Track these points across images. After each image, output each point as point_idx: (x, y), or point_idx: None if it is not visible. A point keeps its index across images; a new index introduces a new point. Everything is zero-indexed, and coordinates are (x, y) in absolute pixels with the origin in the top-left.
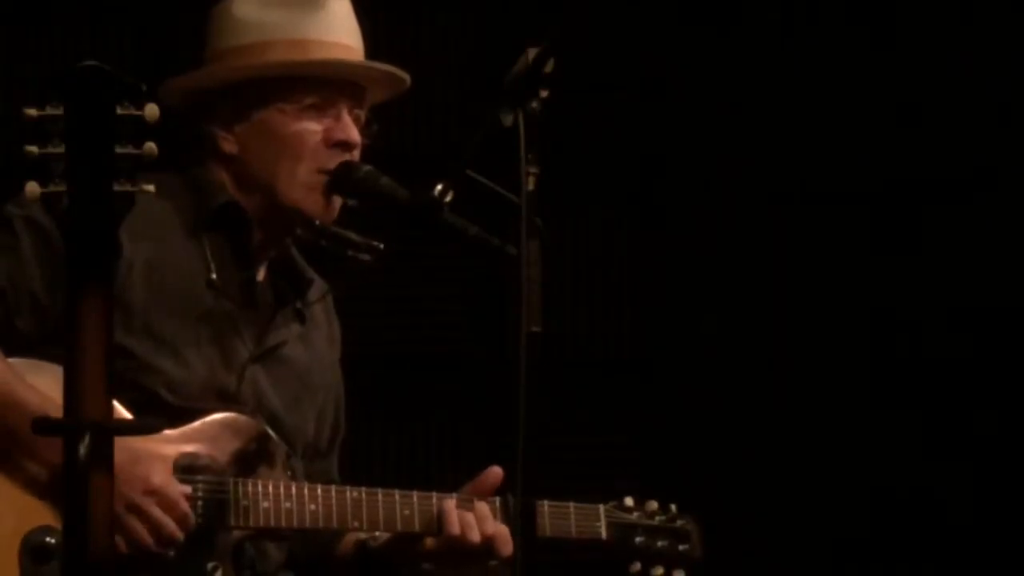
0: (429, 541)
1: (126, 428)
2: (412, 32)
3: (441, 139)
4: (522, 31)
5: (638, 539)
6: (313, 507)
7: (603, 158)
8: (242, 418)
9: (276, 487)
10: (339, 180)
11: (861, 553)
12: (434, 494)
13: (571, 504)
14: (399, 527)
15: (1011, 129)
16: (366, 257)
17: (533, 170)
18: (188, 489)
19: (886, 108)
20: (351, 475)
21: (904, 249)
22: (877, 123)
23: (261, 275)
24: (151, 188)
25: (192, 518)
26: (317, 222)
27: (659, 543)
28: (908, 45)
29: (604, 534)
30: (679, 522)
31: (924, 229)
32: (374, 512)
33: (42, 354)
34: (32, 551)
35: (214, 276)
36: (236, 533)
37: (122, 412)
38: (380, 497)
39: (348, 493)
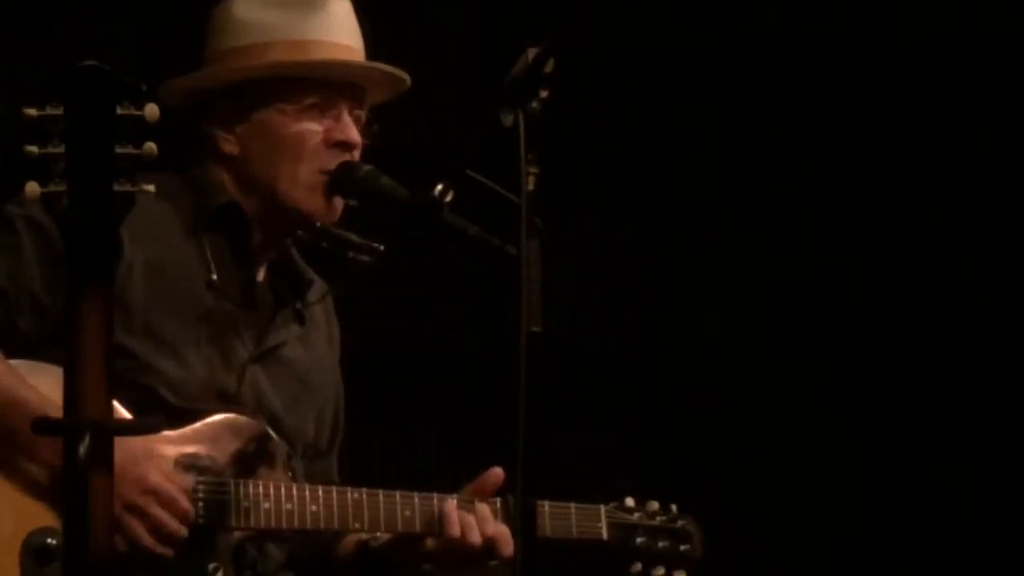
0: (430, 542)
1: (126, 428)
2: (412, 32)
3: (441, 139)
4: (522, 31)
5: (639, 540)
6: (314, 508)
7: (603, 158)
8: (242, 419)
9: (277, 488)
10: (339, 180)
11: (861, 553)
12: (435, 495)
13: (572, 505)
14: (400, 528)
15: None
16: (366, 258)
17: (533, 170)
18: (189, 482)
19: (886, 107)
20: (351, 475)
21: (904, 249)
22: (877, 123)
23: (261, 276)
24: (151, 188)
25: (193, 513)
26: (318, 223)
27: (660, 544)
28: (909, 40)
29: (605, 535)
30: (680, 523)
31: (925, 228)
32: (375, 513)
33: (42, 354)
34: (33, 552)
35: (214, 276)
36: (237, 534)
37: (122, 412)
38: (381, 498)
39: (349, 494)
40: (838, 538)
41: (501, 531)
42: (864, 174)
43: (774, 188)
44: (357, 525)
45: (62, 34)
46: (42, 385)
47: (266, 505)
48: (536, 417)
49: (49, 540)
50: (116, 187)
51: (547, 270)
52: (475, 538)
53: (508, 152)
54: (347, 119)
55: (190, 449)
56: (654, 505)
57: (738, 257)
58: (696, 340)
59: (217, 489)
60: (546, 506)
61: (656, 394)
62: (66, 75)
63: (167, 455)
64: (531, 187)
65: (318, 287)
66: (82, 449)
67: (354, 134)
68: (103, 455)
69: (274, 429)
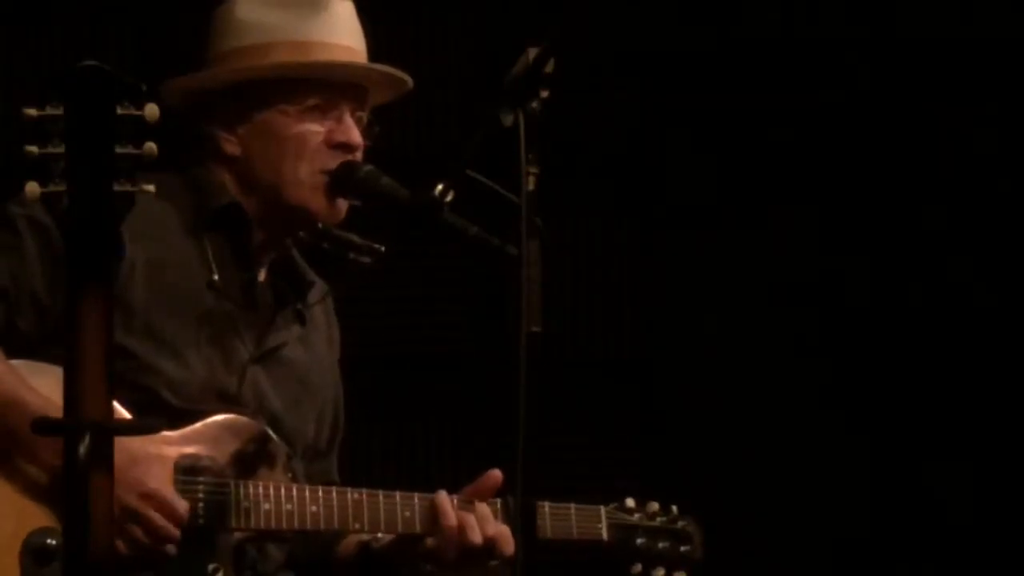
0: (430, 541)
1: (126, 428)
2: (412, 32)
3: (441, 139)
4: (522, 31)
5: (639, 540)
6: (314, 508)
7: (603, 158)
8: (243, 419)
9: (277, 488)
10: (340, 180)
11: (861, 553)
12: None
13: (572, 505)
14: (400, 528)
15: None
16: (367, 259)
17: (533, 170)
18: (185, 504)
19: (886, 107)
20: (351, 475)
21: (904, 249)
22: (877, 123)
23: (262, 276)
24: (151, 188)
25: (185, 519)
26: (321, 224)
27: (660, 544)
28: (909, 40)
29: (605, 535)
30: (680, 523)
31: (925, 228)
32: (375, 513)
33: (43, 354)
34: (33, 553)
35: (215, 277)
36: (237, 534)
37: (122, 413)
38: (381, 498)
39: (349, 494)
40: (838, 538)
41: (502, 531)
42: (864, 174)
43: (774, 188)
44: (357, 526)
45: (62, 34)
46: (42, 385)
47: (266, 506)
48: (536, 417)
49: (49, 540)
50: (116, 187)
51: (547, 270)
52: (476, 537)
53: (508, 152)
54: (349, 120)
55: (190, 450)
56: (654, 506)
57: (738, 257)
58: (696, 340)
59: (217, 490)
60: (546, 507)
61: (656, 394)
62: (66, 75)
63: (167, 456)
64: (531, 187)
65: (319, 288)
66: (82, 449)
67: (356, 135)
68: (103, 455)
69: (274, 430)
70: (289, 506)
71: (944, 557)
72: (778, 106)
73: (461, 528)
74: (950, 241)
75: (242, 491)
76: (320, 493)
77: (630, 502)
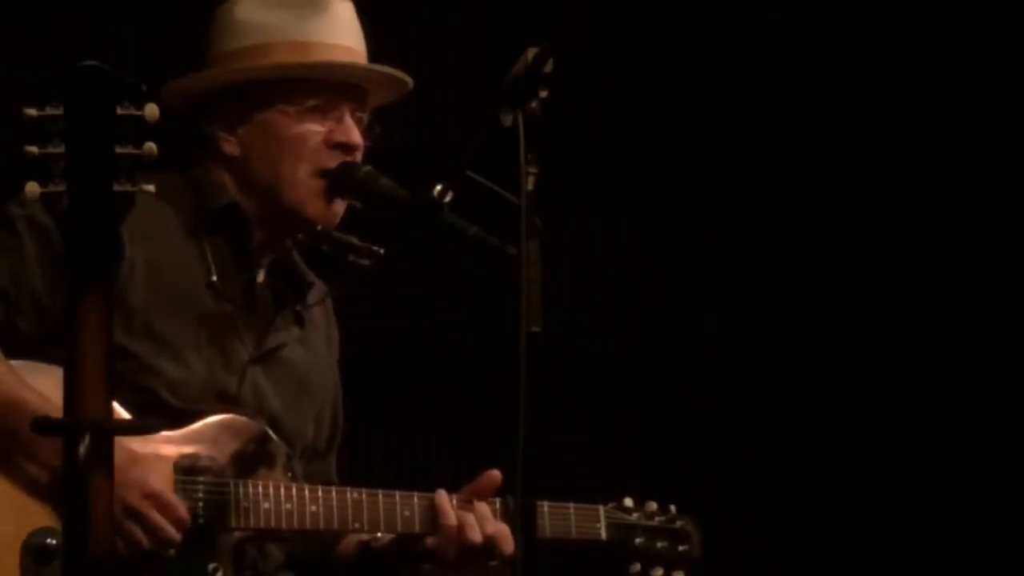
0: (430, 541)
1: (126, 428)
2: (412, 33)
3: (441, 139)
4: (522, 31)
5: (638, 540)
6: (314, 508)
7: (603, 158)
8: (242, 419)
9: (276, 488)
10: (339, 181)
11: (861, 553)
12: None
13: (571, 505)
14: (400, 528)
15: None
16: (366, 261)
17: (533, 170)
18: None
19: (886, 107)
20: (351, 475)
21: (904, 249)
22: (877, 123)
23: (261, 277)
24: (151, 188)
25: (188, 520)
26: (319, 226)
27: (659, 544)
28: (909, 40)
29: (604, 535)
30: (678, 523)
31: (925, 228)
32: (374, 513)
33: (42, 354)
34: (34, 553)
35: (214, 278)
36: (237, 534)
37: (122, 413)
38: (380, 498)
39: (348, 494)
40: (838, 538)
41: (501, 530)
42: (864, 174)
43: (774, 188)
44: (357, 525)
45: (62, 34)
46: (42, 385)
47: (266, 505)
48: (536, 417)
49: (49, 540)
50: (116, 187)
51: (547, 270)
52: (475, 536)
53: (508, 152)
54: (349, 121)
55: (190, 449)
56: (653, 505)
57: (738, 257)
58: (696, 340)
59: (217, 489)
60: (545, 506)
61: (656, 394)
62: (66, 75)
63: (167, 455)
64: (531, 187)
65: (318, 289)
66: (82, 449)
67: (355, 136)
68: (103, 455)
69: (274, 430)
70: (288, 506)
71: (944, 557)
72: (778, 106)
73: (460, 527)
74: (950, 241)
75: (241, 491)
76: (320, 493)
77: (628, 502)
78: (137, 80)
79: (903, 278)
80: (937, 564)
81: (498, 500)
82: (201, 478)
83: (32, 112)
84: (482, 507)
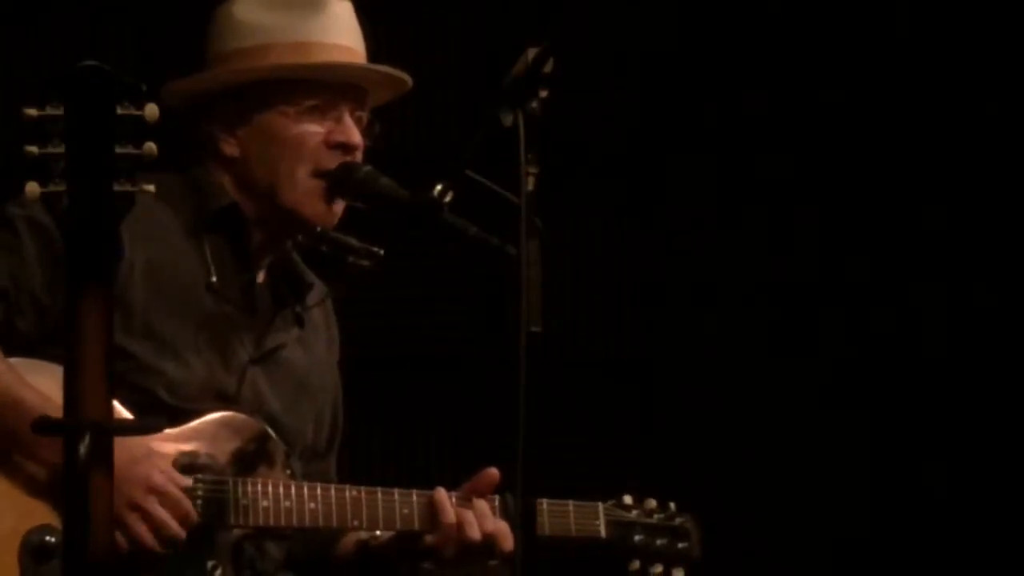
0: (429, 539)
1: (126, 428)
2: (412, 32)
3: (441, 139)
4: (522, 31)
5: (637, 537)
6: (313, 506)
7: (603, 158)
8: (241, 417)
9: (276, 486)
10: (339, 181)
11: (861, 553)
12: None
13: (570, 503)
14: (398, 525)
15: None
16: (366, 263)
17: (533, 170)
18: (188, 481)
19: (886, 107)
20: (350, 475)
21: (905, 249)
22: (877, 123)
23: (261, 278)
24: (151, 188)
25: (194, 516)
26: (318, 227)
27: (658, 541)
28: (909, 39)
29: (603, 532)
30: (678, 520)
31: (925, 228)
32: (373, 511)
33: (42, 354)
34: (32, 550)
35: (214, 278)
36: (236, 532)
37: (122, 413)
38: (380, 496)
39: (347, 492)
40: (838, 538)
41: (500, 527)
42: (864, 174)
43: (774, 188)
44: (356, 523)
45: (62, 34)
46: (42, 384)
47: (264, 503)
48: (536, 417)
49: (48, 538)
50: (116, 187)
51: (547, 270)
52: (474, 534)
53: (508, 152)
54: (348, 121)
55: (189, 447)
56: (652, 503)
57: (738, 257)
58: (696, 340)
59: (216, 487)
60: (544, 504)
61: (656, 394)
62: (66, 75)
63: (166, 453)
64: (531, 187)
65: (318, 290)
66: (82, 449)
67: (355, 136)
68: (103, 455)
69: (273, 430)
70: (287, 503)
71: (944, 557)
72: (778, 106)
73: (460, 525)
74: (950, 241)
75: (240, 489)
76: (319, 491)
77: (628, 499)
78: (137, 80)
79: (903, 278)
80: (937, 564)
81: (497, 498)
82: (200, 476)
83: (32, 112)
84: (481, 505)
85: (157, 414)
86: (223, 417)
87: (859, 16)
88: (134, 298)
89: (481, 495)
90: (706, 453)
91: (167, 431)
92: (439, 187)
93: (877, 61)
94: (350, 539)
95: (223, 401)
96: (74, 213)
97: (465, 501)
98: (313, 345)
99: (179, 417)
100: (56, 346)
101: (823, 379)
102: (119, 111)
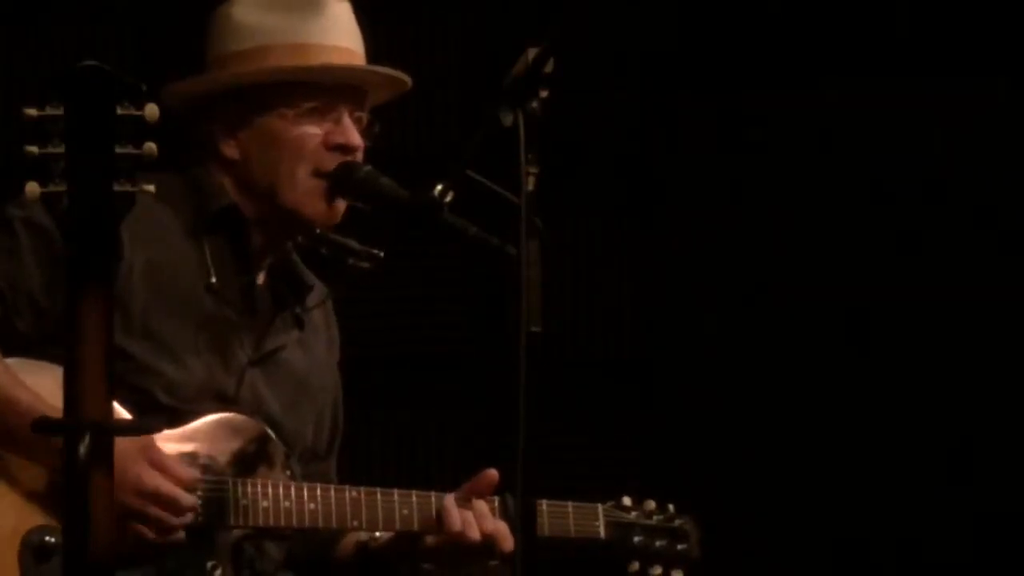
0: (429, 540)
1: (126, 428)
2: (412, 32)
3: (441, 139)
4: (522, 31)
5: (636, 538)
6: (312, 506)
7: (603, 158)
8: (240, 418)
9: (275, 487)
10: (339, 181)
11: (861, 553)
12: (433, 493)
13: (569, 504)
14: (398, 526)
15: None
16: (366, 264)
17: (533, 170)
18: (192, 472)
19: (886, 107)
20: (350, 475)
21: (905, 249)
22: (877, 123)
23: (261, 279)
24: (151, 188)
25: (196, 503)
26: (318, 227)
27: (657, 543)
28: (909, 38)
29: (603, 533)
30: (677, 522)
31: (925, 228)
32: (373, 512)
33: (42, 354)
34: (32, 550)
35: (213, 280)
36: (235, 532)
37: (121, 413)
38: (379, 497)
39: (347, 493)
40: (838, 538)
41: (500, 528)
42: (865, 174)
43: (774, 188)
44: (355, 523)
45: (62, 34)
46: (42, 384)
47: (264, 504)
48: (536, 417)
49: (48, 538)
50: (116, 187)
51: (547, 270)
52: (474, 535)
53: (508, 152)
54: (347, 122)
55: (188, 448)
56: (651, 504)
57: (738, 257)
58: (696, 340)
59: (216, 488)
60: (544, 505)
61: (656, 394)
62: (66, 75)
63: (166, 454)
64: (531, 187)
65: (318, 291)
66: (82, 449)
67: (354, 137)
68: (103, 455)
69: (272, 432)
70: (287, 504)
71: (944, 557)
72: (778, 106)
73: (460, 525)
74: (951, 240)
75: (240, 489)
76: (318, 491)
77: (627, 500)
78: (137, 80)
79: (903, 278)
80: (937, 564)
81: (496, 499)
82: (200, 476)
83: (32, 112)
84: (480, 505)
85: (156, 415)
86: (222, 418)
87: (859, 15)
88: (133, 299)
89: (480, 496)
90: (706, 453)
91: (166, 432)
92: (439, 187)
93: (877, 61)
94: (350, 540)
95: (222, 402)
96: (74, 213)
97: (464, 502)
98: (313, 346)
99: (178, 418)
100: (56, 346)
101: (823, 379)
102: (119, 111)
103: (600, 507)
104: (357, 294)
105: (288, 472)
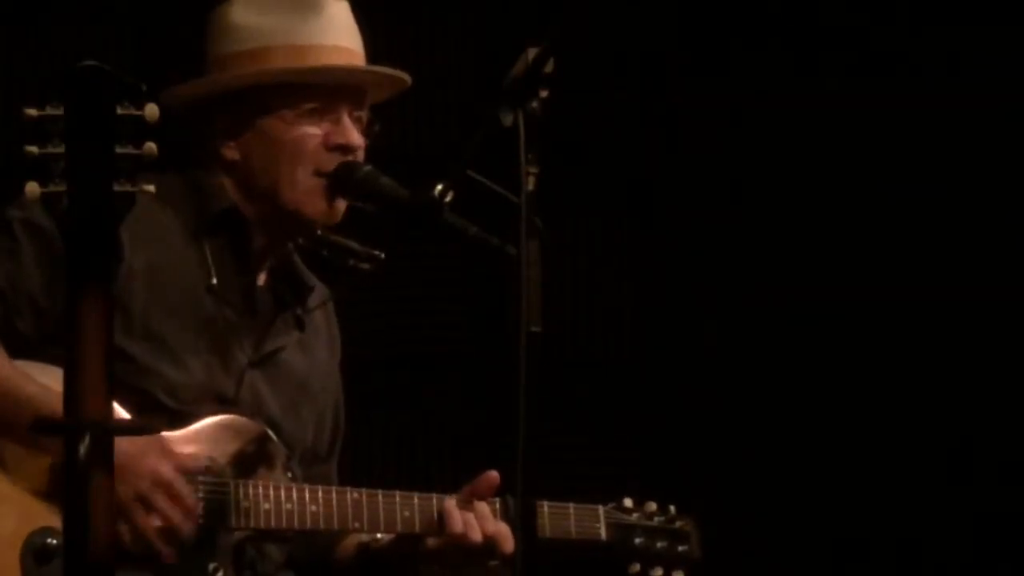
0: (430, 542)
1: (126, 428)
2: (412, 32)
3: (441, 139)
4: (522, 31)
5: (637, 540)
6: (314, 508)
7: (603, 158)
8: (242, 419)
9: (277, 488)
10: (339, 181)
11: (861, 553)
12: (434, 495)
13: (571, 505)
14: (399, 528)
15: None
16: (367, 266)
17: (533, 170)
18: (191, 490)
19: (887, 107)
20: (351, 475)
21: (905, 249)
22: (878, 123)
23: (262, 280)
24: (151, 188)
25: (198, 512)
26: (319, 227)
27: (658, 544)
28: (910, 38)
29: (604, 535)
30: (678, 523)
31: (925, 228)
32: (374, 513)
33: (43, 355)
34: (34, 552)
35: (214, 281)
36: (237, 534)
37: (122, 413)
38: (380, 498)
39: (348, 494)
40: (838, 538)
41: (501, 529)
42: (866, 174)
43: (774, 188)
44: (356, 525)
45: (62, 34)
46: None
47: (266, 505)
48: (536, 417)
49: (50, 540)
50: (116, 187)
51: (547, 270)
52: (476, 536)
53: (508, 152)
54: (347, 122)
55: (190, 449)
56: (652, 505)
57: (738, 257)
58: (696, 341)
59: (217, 489)
60: (545, 506)
61: (656, 394)
62: (66, 75)
63: (174, 453)
64: (531, 187)
65: (319, 292)
66: (82, 449)
67: (354, 137)
68: (103, 455)
69: (273, 434)
70: (289, 506)
71: (944, 556)
72: (778, 106)
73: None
74: (951, 240)
75: (242, 491)
76: (320, 493)
77: (628, 502)
78: (137, 80)
79: (903, 278)
80: (937, 564)
81: (498, 500)
82: (201, 478)
83: (32, 112)
84: (482, 507)
85: (157, 416)
86: (223, 419)
87: (859, 15)
88: (134, 300)
89: (482, 498)
90: (706, 453)
91: (167, 434)
92: (439, 187)
93: (877, 61)
94: (351, 541)
95: (222, 404)
96: (74, 213)
97: (466, 503)
98: (314, 348)
99: (179, 420)
100: (56, 347)
101: (823, 379)
102: (119, 111)
103: (601, 508)
104: (356, 294)
105: (289, 474)
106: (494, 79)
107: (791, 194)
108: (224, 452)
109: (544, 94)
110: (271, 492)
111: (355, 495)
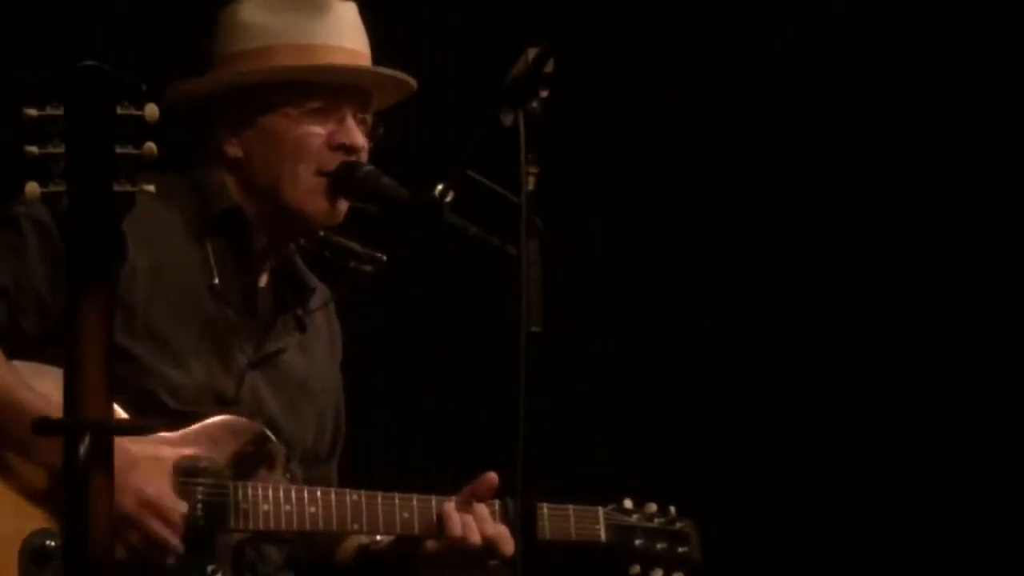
0: (430, 544)
1: (126, 428)
2: (412, 33)
3: (441, 139)
4: (522, 31)
5: (637, 541)
6: (313, 510)
7: (603, 158)
8: (241, 420)
9: (276, 490)
10: (340, 180)
11: (861, 553)
12: (433, 497)
13: (570, 507)
14: (399, 530)
15: None
16: (368, 267)
17: (533, 170)
18: (184, 507)
19: (887, 106)
20: (351, 475)
21: (905, 249)
22: (878, 123)
23: (263, 281)
24: (151, 188)
25: (182, 526)
26: (320, 227)
27: (658, 545)
28: (910, 37)
29: (603, 536)
30: (678, 524)
31: (925, 228)
32: (374, 515)
33: (45, 355)
34: (32, 554)
35: (216, 281)
36: (236, 536)
37: (122, 413)
38: (380, 500)
39: (348, 496)
40: (838, 538)
41: (500, 531)
42: (865, 174)
43: (774, 188)
44: (356, 527)
45: (62, 34)
46: (43, 387)
47: (265, 507)
48: (536, 417)
49: (48, 542)
50: (116, 187)
51: (547, 270)
52: (475, 538)
53: (508, 152)
54: (350, 122)
55: (189, 451)
56: (652, 507)
57: (737, 257)
58: (696, 341)
59: (216, 491)
60: (545, 508)
61: (655, 395)
62: (66, 75)
63: (166, 457)
64: (531, 187)
65: (321, 293)
66: (82, 449)
67: (357, 137)
68: (103, 455)
69: (272, 434)
70: (288, 507)
71: (944, 556)
72: (778, 106)
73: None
74: (951, 240)
75: (241, 492)
76: (319, 494)
77: (628, 503)
78: (137, 80)
79: (904, 278)
80: (937, 564)
81: (497, 502)
82: (201, 479)
83: (32, 112)
84: (481, 508)
85: (156, 417)
86: (223, 420)
87: (859, 15)
88: (136, 299)
89: (481, 500)
90: (706, 454)
91: (167, 435)
92: (440, 187)
93: (879, 59)
94: (350, 543)
95: (222, 404)
96: (74, 213)
97: (465, 506)
98: (315, 349)
99: (179, 420)
100: (58, 347)
101: (823, 379)
102: (119, 111)
103: (601, 510)
104: (356, 294)
105: (288, 475)
106: (494, 79)
107: (790, 194)
108: (223, 453)
109: (544, 94)
110: (270, 494)
111: (354, 497)
